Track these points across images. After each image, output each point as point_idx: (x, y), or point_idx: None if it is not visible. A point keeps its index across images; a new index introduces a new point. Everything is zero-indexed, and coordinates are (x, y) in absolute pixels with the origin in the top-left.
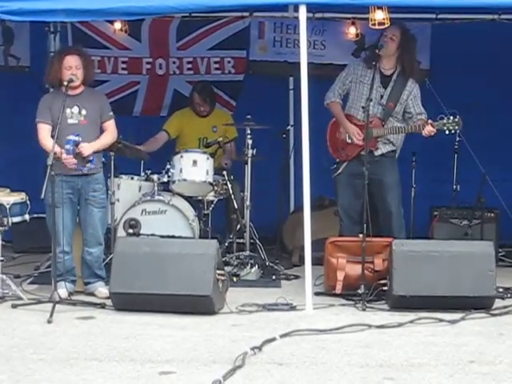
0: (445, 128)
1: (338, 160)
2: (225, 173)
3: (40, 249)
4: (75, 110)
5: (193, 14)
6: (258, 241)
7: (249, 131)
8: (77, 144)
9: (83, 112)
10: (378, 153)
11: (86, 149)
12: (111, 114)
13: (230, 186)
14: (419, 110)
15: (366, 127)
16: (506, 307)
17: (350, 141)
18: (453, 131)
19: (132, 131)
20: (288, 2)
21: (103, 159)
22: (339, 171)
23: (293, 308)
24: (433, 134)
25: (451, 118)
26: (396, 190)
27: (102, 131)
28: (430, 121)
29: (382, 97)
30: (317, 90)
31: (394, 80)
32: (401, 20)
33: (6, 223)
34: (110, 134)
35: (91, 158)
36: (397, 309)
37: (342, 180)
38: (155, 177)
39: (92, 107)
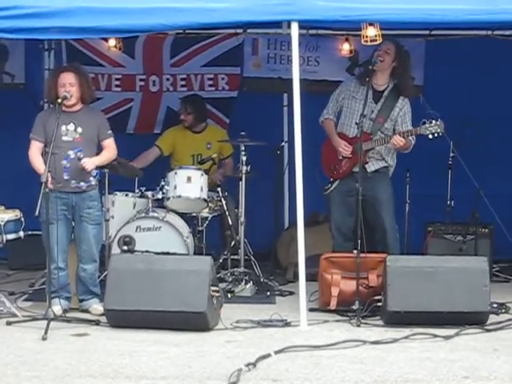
0: (427, 132)
1: (331, 179)
2: (219, 189)
3: (35, 266)
4: (71, 127)
5: (186, 31)
6: (252, 257)
7: (243, 148)
8: (79, 158)
9: (79, 130)
10: (370, 169)
11: (88, 163)
12: (110, 132)
13: (224, 202)
14: (406, 128)
15: (360, 142)
16: (500, 322)
17: (341, 157)
18: (435, 134)
19: (125, 149)
20: (280, 20)
21: (98, 176)
22: (331, 189)
23: (287, 324)
24: (401, 143)
25: (433, 121)
26: (390, 205)
27: (99, 149)
28: (400, 131)
29: (372, 111)
30: (311, 107)
31: (386, 96)
32: (395, 36)
33: (0, 240)
34: (110, 151)
35: (94, 173)
36: (391, 324)
37: (334, 198)
38: (149, 193)
39: (89, 125)
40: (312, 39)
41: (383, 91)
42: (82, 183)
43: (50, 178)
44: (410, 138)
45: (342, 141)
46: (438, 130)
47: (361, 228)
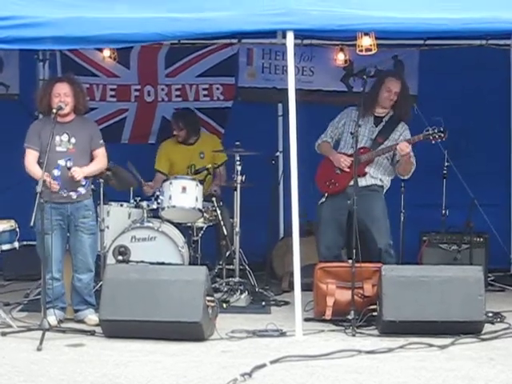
0: (431, 137)
1: (326, 194)
2: (214, 199)
3: (30, 276)
4: (64, 137)
5: (181, 41)
6: (247, 267)
7: (238, 157)
8: (68, 168)
9: (72, 140)
10: (362, 183)
11: (78, 173)
12: (101, 142)
13: (219, 212)
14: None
15: (354, 153)
16: (495, 332)
17: (338, 171)
18: (439, 140)
19: (120, 159)
20: (276, 29)
21: (92, 186)
22: (322, 201)
23: (283, 334)
24: (407, 150)
25: (436, 129)
26: (383, 222)
27: (92, 159)
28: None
29: (372, 133)
30: (305, 116)
31: (386, 121)
32: (389, 46)
33: None
34: (100, 161)
35: (83, 183)
36: (387, 334)
37: (325, 216)
38: (144, 204)
39: (82, 136)
40: (306, 49)
41: (383, 117)
42: (71, 193)
43: (50, 180)
44: (412, 160)
45: (342, 155)
46: (442, 135)
47: (356, 238)
